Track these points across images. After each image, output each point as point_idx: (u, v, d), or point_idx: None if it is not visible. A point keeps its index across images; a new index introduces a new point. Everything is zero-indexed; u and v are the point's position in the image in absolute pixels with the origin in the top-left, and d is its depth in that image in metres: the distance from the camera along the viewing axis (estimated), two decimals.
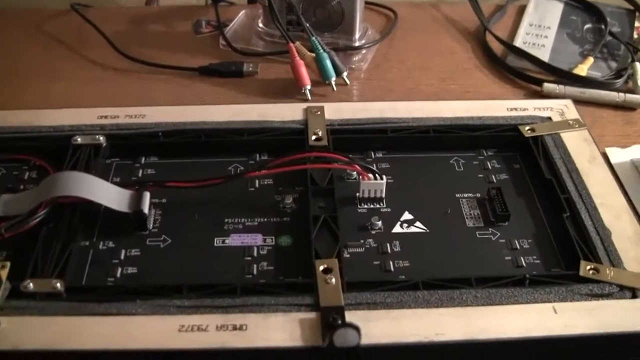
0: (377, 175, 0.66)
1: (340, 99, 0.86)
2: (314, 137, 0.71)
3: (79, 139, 0.70)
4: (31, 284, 0.57)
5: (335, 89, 0.86)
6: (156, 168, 0.71)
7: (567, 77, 0.90)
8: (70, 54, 0.94)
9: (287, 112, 0.75)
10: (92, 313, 0.55)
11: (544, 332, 0.54)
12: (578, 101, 0.83)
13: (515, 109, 0.76)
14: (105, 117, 0.74)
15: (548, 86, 0.87)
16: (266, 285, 0.58)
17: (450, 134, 0.73)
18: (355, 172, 0.69)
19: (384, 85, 0.90)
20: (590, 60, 0.93)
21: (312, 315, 0.55)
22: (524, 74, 0.91)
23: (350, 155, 0.68)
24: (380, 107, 0.76)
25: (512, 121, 0.75)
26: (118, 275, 0.60)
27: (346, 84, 0.88)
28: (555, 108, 0.77)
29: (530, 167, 0.71)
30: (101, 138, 0.71)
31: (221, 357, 0.54)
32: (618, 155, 0.77)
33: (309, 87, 0.85)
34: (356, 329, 0.50)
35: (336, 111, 0.75)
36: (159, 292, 0.57)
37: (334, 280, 0.57)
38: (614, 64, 0.94)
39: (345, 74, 0.88)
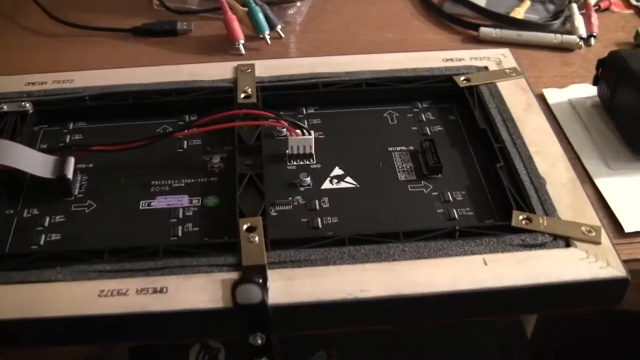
0: (304, 130, 0.65)
1: (275, 51, 0.85)
2: (243, 95, 0.69)
3: (4, 107, 0.69)
4: None
5: (269, 42, 0.85)
6: (84, 133, 0.69)
7: (504, 21, 0.89)
8: (4, 22, 0.92)
9: (217, 71, 0.73)
10: (10, 281, 0.54)
11: (472, 284, 0.53)
12: (516, 44, 0.84)
13: (451, 60, 0.75)
14: (33, 83, 0.72)
15: (484, 30, 0.86)
16: (189, 247, 0.57)
17: (384, 86, 0.72)
18: (284, 129, 0.67)
19: (320, 37, 0.89)
20: (527, 3, 0.92)
21: (234, 275, 0.54)
22: (460, 19, 0.90)
23: (281, 112, 0.67)
24: (312, 62, 0.74)
25: (447, 72, 0.73)
26: (42, 242, 0.59)
27: (281, 37, 0.87)
28: (492, 57, 0.75)
29: (466, 118, 0.70)
30: (28, 105, 0.69)
31: (141, 320, 0.53)
32: (556, 96, 0.76)
33: (242, 41, 0.84)
34: (257, 284, 0.49)
35: (267, 68, 0.73)
36: (80, 258, 0.56)
37: (257, 238, 0.56)
38: (551, 7, 0.93)
39: (279, 27, 0.86)
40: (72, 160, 0.63)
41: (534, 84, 0.73)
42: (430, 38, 0.88)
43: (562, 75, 0.81)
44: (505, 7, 0.92)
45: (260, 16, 0.84)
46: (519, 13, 0.90)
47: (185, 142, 0.67)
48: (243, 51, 0.83)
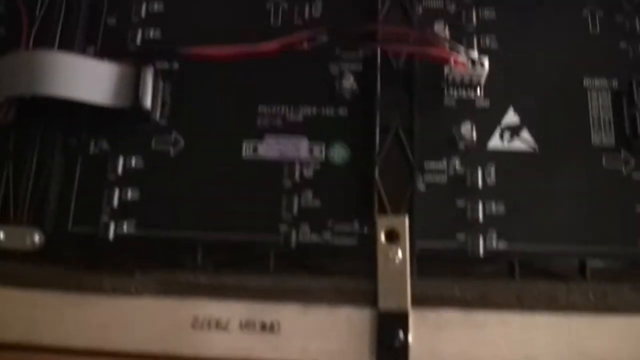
0: (474, 62, 0.45)
1: None
2: None
3: None
4: (1, 234, 0.43)
5: None
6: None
7: None
8: None
9: None
10: (78, 286, 0.43)
11: None
12: None
13: None
14: None
15: None
16: (308, 250, 0.44)
17: None
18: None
19: None
20: None
21: (365, 316, 0.41)
22: None
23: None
24: None
25: None
26: (115, 205, 0.45)
27: None
28: None
29: None
30: None
31: None
32: None
33: None
34: None
35: None
36: (166, 256, 0.43)
37: (399, 256, 0.41)
38: None
39: None
40: (149, 76, 0.46)
41: None
42: None
43: None
44: None
45: None
46: None
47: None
48: None
